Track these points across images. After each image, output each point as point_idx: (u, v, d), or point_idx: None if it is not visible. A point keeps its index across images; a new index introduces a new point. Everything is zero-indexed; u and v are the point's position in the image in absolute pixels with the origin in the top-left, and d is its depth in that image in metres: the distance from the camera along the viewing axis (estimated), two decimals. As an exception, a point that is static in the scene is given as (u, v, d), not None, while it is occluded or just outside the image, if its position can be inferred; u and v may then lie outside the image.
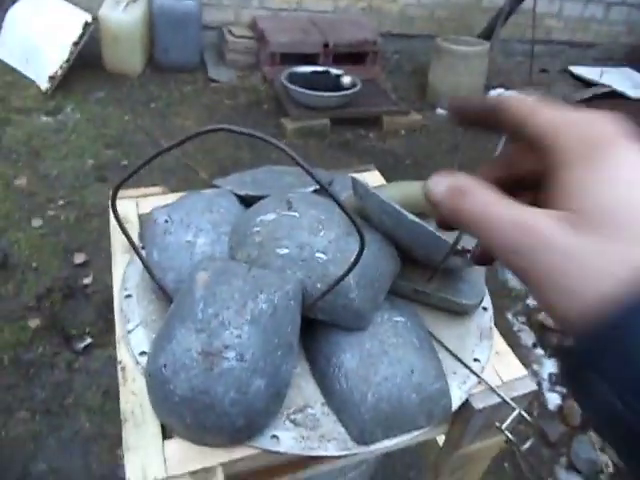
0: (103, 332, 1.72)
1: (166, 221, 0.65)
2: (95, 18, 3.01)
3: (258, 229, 0.60)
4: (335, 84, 3.10)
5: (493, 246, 0.24)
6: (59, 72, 2.95)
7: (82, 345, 1.69)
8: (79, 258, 2.00)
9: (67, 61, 2.94)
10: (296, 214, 0.60)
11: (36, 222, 2.15)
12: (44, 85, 2.97)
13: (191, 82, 3.37)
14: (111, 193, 0.50)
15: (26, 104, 2.89)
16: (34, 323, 1.74)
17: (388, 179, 0.93)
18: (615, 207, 0.21)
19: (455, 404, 0.58)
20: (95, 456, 1.40)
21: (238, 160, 2.66)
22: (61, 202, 2.27)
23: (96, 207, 2.24)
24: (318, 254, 0.56)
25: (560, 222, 0.22)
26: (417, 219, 0.58)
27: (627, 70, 4.30)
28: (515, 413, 0.59)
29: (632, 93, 3.93)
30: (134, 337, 0.61)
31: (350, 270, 0.50)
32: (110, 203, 0.54)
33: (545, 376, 1.79)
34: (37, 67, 3.03)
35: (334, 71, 3.21)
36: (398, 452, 0.59)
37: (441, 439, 0.73)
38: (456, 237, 0.56)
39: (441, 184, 0.26)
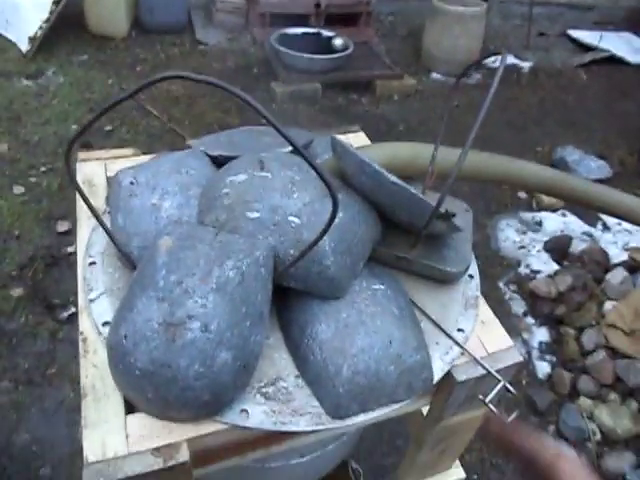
0: (87, 301, 1.69)
1: (131, 183, 0.61)
2: (76, -24, 2.88)
3: (227, 191, 0.55)
4: (327, 46, 3.00)
5: None
6: (39, 33, 2.83)
7: (66, 314, 1.66)
8: (63, 226, 1.96)
9: (47, 21, 2.83)
10: (269, 175, 0.56)
11: (17, 189, 2.09)
12: (24, 47, 2.86)
13: (178, 44, 3.26)
14: (65, 150, 0.46)
15: (6, 67, 2.79)
16: (16, 292, 1.70)
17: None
18: None
19: (437, 376, 0.55)
20: (79, 426, 1.39)
21: (226, 125, 2.58)
22: (43, 169, 2.21)
23: (79, 174, 2.17)
24: (291, 218, 0.52)
25: None
26: (398, 180, 0.54)
27: (627, 35, 4.19)
28: (500, 385, 0.56)
29: (631, 58, 3.84)
30: (97, 307, 0.58)
31: (323, 234, 0.47)
32: (64, 162, 0.49)
33: (535, 345, 1.78)
34: (17, 28, 2.91)
35: (326, 33, 3.11)
36: (385, 420, 0.56)
37: (426, 409, 0.71)
38: (439, 199, 0.52)
39: None
